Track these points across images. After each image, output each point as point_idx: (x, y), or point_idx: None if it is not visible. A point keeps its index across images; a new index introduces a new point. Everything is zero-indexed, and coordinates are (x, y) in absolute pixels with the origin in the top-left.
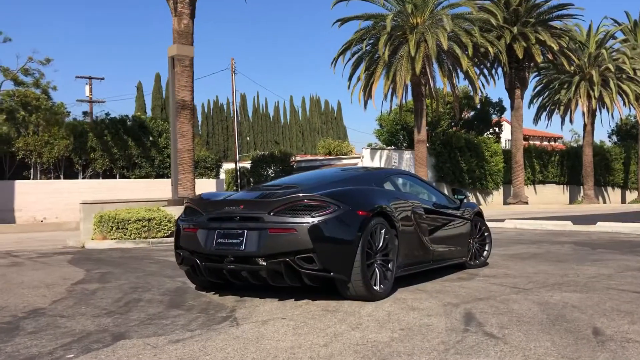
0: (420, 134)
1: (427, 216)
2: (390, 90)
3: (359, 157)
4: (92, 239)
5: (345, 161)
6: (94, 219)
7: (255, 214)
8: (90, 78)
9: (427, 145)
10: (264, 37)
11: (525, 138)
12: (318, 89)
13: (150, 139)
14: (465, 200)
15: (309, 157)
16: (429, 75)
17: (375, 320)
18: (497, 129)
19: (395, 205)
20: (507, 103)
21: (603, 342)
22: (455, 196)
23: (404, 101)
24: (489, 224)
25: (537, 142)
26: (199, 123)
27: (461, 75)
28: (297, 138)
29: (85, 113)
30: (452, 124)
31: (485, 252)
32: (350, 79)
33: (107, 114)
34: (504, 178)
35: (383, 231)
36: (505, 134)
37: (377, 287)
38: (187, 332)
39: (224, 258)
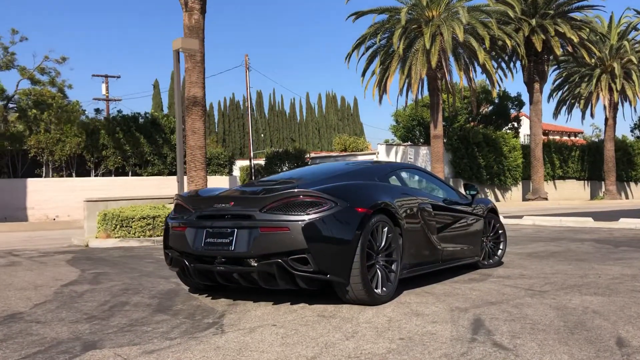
0: (436, 129)
1: (435, 213)
2: (406, 85)
3: (374, 154)
4: (96, 237)
5: (360, 157)
6: (97, 217)
7: (245, 211)
8: (106, 76)
9: (444, 140)
10: (279, 34)
11: (545, 133)
12: (334, 85)
13: (163, 136)
14: (477, 196)
15: (323, 154)
16: (445, 69)
17: (373, 328)
18: (515, 124)
19: (400, 202)
20: (525, 97)
21: (629, 355)
22: (467, 192)
23: (419, 96)
24: (506, 221)
25: (557, 137)
26: (216, 121)
27: (478, 69)
28: (314, 135)
29: (97, 110)
30: (470, 119)
31: (499, 251)
32: (364, 74)
33: (120, 111)
34: (523, 174)
35: (385, 229)
36: (524, 129)
37: (378, 291)
38: (166, 341)
39: (214, 259)
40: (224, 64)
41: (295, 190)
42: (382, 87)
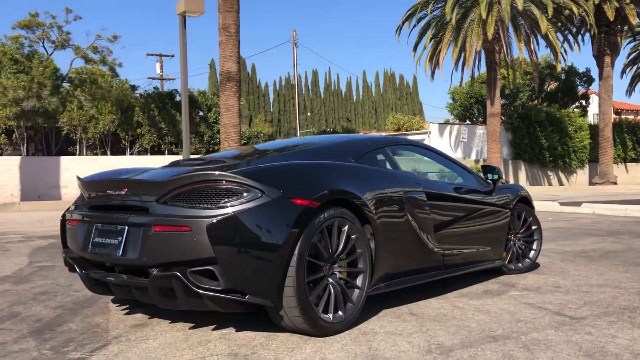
0: (493, 107)
1: (432, 205)
2: (461, 59)
3: (426, 133)
4: None
5: (410, 137)
6: None
7: (139, 201)
8: (160, 55)
9: (503, 119)
10: (334, 11)
11: (617, 112)
12: (392, 63)
13: (200, 113)
14: (500, 182)
15: (374, 134)
16: (503, 40)
17: None
18: (583, 102)
19: (375, 191)
20: (595, 73)
21: None
22: (486, 176)
23: (477, 72)
24: (561, 209)
25: (631, 117)
26: (270, 100)
27: (542, 42)
28: (370, 114)
29: (133, 87)
30: (533, 96)
31: (532, 252)
32: (415, 48)
33: (156, 88)
34: (590, 156)
35: (345, 229)
36: (593, 107)
37: (328, 316)
38: None
39: (104, 266)
40: (277, 42)
41: (204, 172)
42: (434, 62)
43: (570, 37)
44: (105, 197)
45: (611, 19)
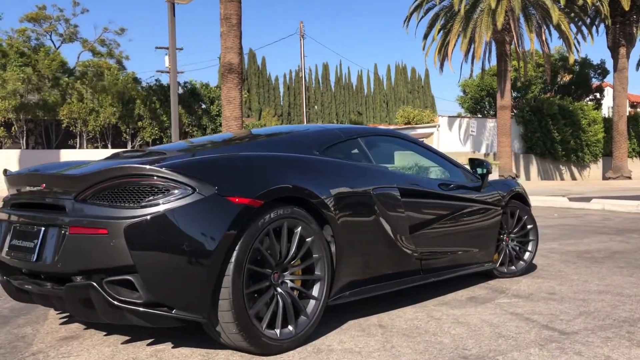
0: (503, 99)
1: (409, 202)
2: (471, 51)
3: (435, 127)
4: None
5: (419, 131)
6: None
7: (57, 199)
8: (168, 48)
9: (515, 112)
10: (346, 3)
11: (632, 105)
12: (404, 56)
13: (202, 106)
14: (489, 176)
15: (382, 127)
16: (513, 31)
17: None
18: (597, 95)
19: (337, 187)
20: (610, 65)
21: None
22: (473, 170)
23: (487, 64)
24: (570, 205)
25: None
26: (281, 94)
27: (555, 34)
28: (381, 108)
29: (135, 80)
30: (546, 89)
31: (527, 254)
32: (425, 38)
33: (158, 80)
34: (604, 149)
35: (299, 230)
36: (608, 100)
37: (274, 332)
38: None
39: (21, 272)
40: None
41: (122, 166)
42: (442, 53)
43: (583, 27)
44: (26, 193)
45: (626, 9)
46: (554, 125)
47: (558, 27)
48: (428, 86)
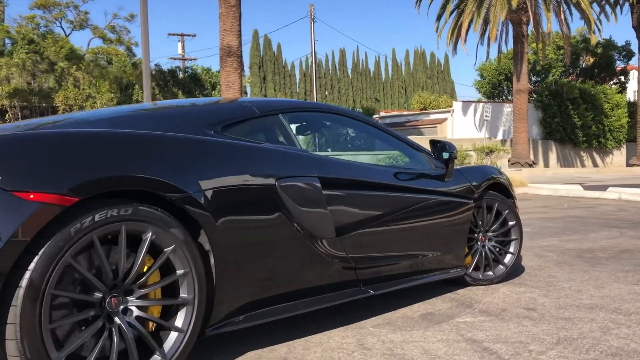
0: (520, 82)
1: (336, 195)
2: (487, 32)
3: (449, 112)
4: None
5: (432, 116)
6: None
7: None
8: (182, 35)
9: (534, 97)
10: None
11: None
12: (423, 41)
13: (204, 92)
14: (453, 161)
15: (394, 113)
16: (530, 11)
17: None
18: (622, 78)
19: (221, 177)
20: (635, 46)
21: None
22: (435, 154)
23: (505, 46)
24: (583, 194)
25: None
26: (297, 81)
27: (576, 14)
28: (400, 94)
29: (134, 65)
30: (567, 72)
31: (508, 257)
32: (438, 19)
33: (157, 65)
34: (628, 135)
35: (148, 237)
36: (633, 83)
37: None
38: None
39: None
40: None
41: None
42: (456, 35)
43: (607, 6)
44: None
45: None
46: (575, 109)
47: (578, 6)
48: (448, 72)
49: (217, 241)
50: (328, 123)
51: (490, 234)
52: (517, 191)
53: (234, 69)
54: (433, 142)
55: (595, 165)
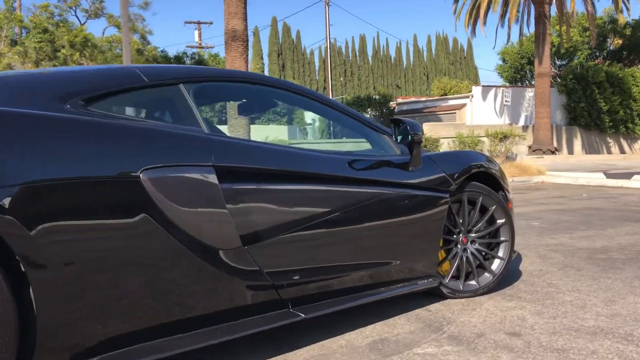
0: (542, 65)
1: (242, 190)
2: (508, 12)
3: (468, 97)
4: None
5: (450, 102)
6: None
7: None
8: (199, 23)
9: (558, 81)
10: None
11: None
12: (445, 26)
13: None
14: (418, 145)
15: (412, 99)
16: None
17: None
18: None
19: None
20: None
21: None
22: (397, 137)
23: (527, 29)
24: (604, 183)
25: None
26: (316, 68)
27: None
28: (421, 81)
29: (138, 51)
30: (595, 55)
31: (495, 263)
32: (456, 1)
33: (163, 51)
34: None
35: None
36: None
37: None
38: None
39: None
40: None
41: None
42: (474, 15)
43: None
44: None
45: None
46: (601, 94)
47: None
48: (471, 57)
49: (35, 261)
50: (260, 98)
51: (474, 234)
52: (533, 180)
53: (240, 54)
54: (394, 121)
55: (622, 152)
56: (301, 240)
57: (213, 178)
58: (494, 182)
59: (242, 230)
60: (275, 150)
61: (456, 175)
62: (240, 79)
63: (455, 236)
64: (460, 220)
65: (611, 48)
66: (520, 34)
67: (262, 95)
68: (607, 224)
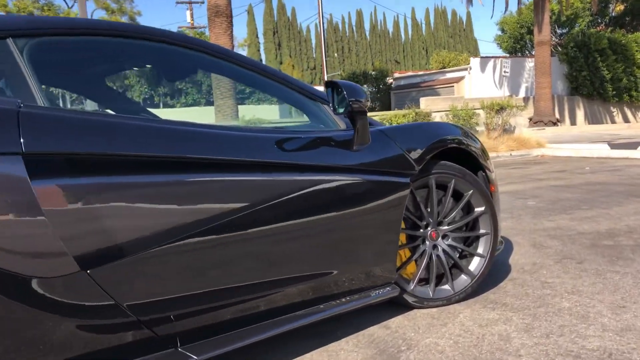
0: (541, 34)
1: (83, 186)
2: None
3: (466, 69)
4: None
5: (448, 75)
6: None
7: None
8: (190, 2)
9: (559, 49)
10: None
11: None
12: None
13: None
14: (362, 116)
15: (409, 73)
16: None
17: None
18: None
19: None
20: None
21: None
22: (336, 107)
23: None
24: (608, 154)
25: None
26: (313, 46)
27: None
28: (420, 55)
29: None
30: (598, 21)
31: (474, 262)
32: None
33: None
34: None
35: None
36: None
37: None
38: None
39: None
40: None
41: None
42: None
43: None
44: None
45: None
46: (603, 61)
47: None
48: (470, 29)
49: None
50: (141, 59)
51: (446, 227)
52: (533, 153)
53: (223, 30)
54: (329, 85)
55: (626, 120)
56: (182, 253)
57: (20, 169)
58: (472, 161)
59: (78, 247)
60: (146, 128)
61: (420, 154)
62: (107, 32)
63: (421, 230)
64: (428, 210)
65: (613, 14)
66: (519, 2)
67: (143, 55)
68: (612, 201)
